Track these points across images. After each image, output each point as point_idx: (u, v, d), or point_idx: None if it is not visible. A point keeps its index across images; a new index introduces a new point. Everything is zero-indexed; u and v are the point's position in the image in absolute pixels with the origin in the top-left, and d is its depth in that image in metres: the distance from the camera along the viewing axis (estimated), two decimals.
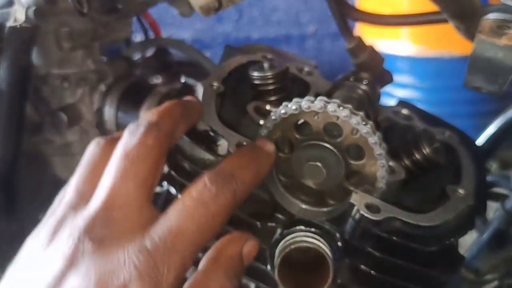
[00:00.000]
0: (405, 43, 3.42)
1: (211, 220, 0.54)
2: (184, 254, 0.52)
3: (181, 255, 0.51)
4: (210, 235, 0.55)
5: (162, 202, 0.88)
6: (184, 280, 0.54)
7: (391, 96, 3.29)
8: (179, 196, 0.74)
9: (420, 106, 0.90)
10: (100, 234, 0.53)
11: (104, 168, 0.59)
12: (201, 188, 0.55)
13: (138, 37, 1.67)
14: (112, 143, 0.61)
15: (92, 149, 0.63)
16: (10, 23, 1.02)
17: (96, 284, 0.49)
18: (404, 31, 3.31)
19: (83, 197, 0.59)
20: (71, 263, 0.51)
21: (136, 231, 0.53)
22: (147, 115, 0.63)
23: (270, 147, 0.65)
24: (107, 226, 0.53)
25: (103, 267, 0.50)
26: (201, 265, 0.56)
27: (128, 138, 0.60)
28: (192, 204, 0.54)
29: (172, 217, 0.54)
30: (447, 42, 3.13)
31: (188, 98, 0.68)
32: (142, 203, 0.56)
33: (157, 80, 1.64)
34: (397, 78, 2.50)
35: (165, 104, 0.65)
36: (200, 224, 0.53)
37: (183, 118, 0.65)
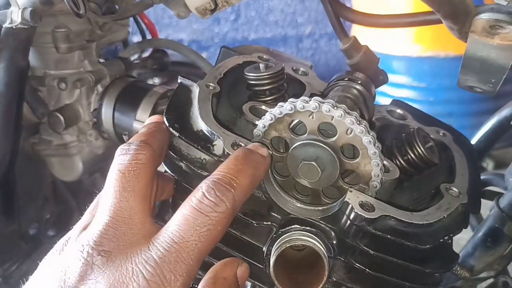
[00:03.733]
0: (401, 43, 3.43)
1: (212, 228, 0.55)
2: (189, 262, 0.53)
3: (186, 263, 0.53)
4: (212, 242, 0.56)
5: (160, 202, 0.89)
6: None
7: (387, 95, 3.30)
8: (177, 196, 0.75)
9: (415, 105, 0.91)
10: (108, 248, 0.55)
11: None
12: (200, 197, 0.56)
13: (135, 38, 1.67)
14: None
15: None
16: (6, 24, 1.02)
17: None
18: (400, 31, 3.32)
19: (92, 217, 0.62)
20: (82, 277, 0.53)
21: (142, 243, 0.55)
22: (136, 136, 0.67)
23: (264, 151, 0.66)
24: (114, 240, 0.56)
25: (112, 279, 0.52)
26: (201, 286, 0.58)
27: (121, 158, 0.62)
28: (192, 214, 0.55)
29: (174, 227, 0.55)
30: (442, 42, 3.14)
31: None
32: (144, 216, 0.59)
33: (154, 81, 1.64)
34: (393, 78, 2.51)
35: (150, 124, 0.69)
36: (202, 233, 0.55)
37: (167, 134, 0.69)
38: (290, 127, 0.69)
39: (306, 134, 0.68)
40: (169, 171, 0.74)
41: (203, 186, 0.57)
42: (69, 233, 0.61)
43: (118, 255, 0.54)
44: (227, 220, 0.57)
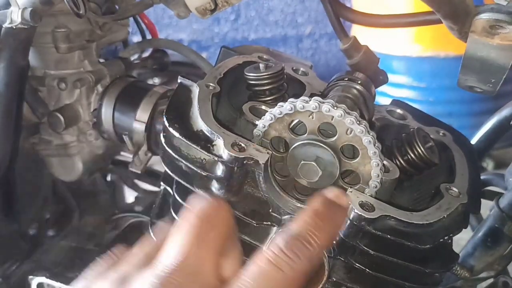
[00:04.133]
0: (401, 43, 3.43)
1: (288, 285, 0.51)
2: None
3: None
4: None
5: (160, 201, 0.89)
6: None
7: (387, 95, 3.30)
8: (176, 196, 0.75)
9: (415, 105, 0.91)
10: (177, 285, 0.50)
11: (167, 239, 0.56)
12: (277, 252, 0.52)
13: (135, 38, 1.67)
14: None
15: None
16: (6, 24, 1.02)
17: None
18: (400, 31, 3.32)
19: (147, 258, 0.57)
20: None
21: (211, 282, 0.51)
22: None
23: (344, 200, 0.61)
24: (186, 278, 0.51)
25: None
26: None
27: (199, 209, 0.56)
28: (268, 268, 0.51)
29: (247, 279, 0.51)
30: (442, 42, 3.14)
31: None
32: (213, 270, 0.54)
33: (154, 81, 1.64)
34: (393, 78, 2.51)
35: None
36: None
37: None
38: (290, 127, 0.69)
39: (306, 134, 0.68)
40: (169, 171, 0.74)
41: (279, 240, 0.53)
42: (123, 266, 0.56)
43: None
44: (303, 277, 0.52)
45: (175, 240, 0.54)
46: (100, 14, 1.27)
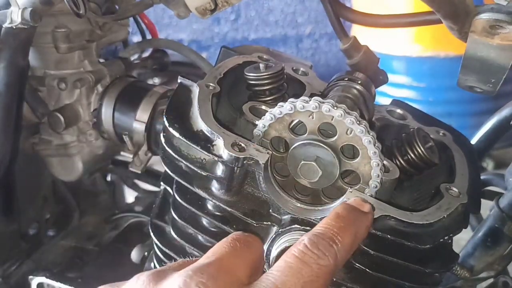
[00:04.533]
0: (401, 43, 3.43)
1: (315, 280, 0.52)
2: None
3: None
4: None
5: (160, 201, 0.89)
6: None
7: (387, 95, 3.30)
8: (176, 196, 0.75)
9: (415, 105, 0.91)
10: (207, 282, 0.50)
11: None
12: (303, 249, 0.54)
13: (135, 38, 1.67)
14: None
15: None
16: (6, 24, 1.02)
17: None
18: (400, 31, 3.32)
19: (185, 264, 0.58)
20: None
21: (241, 282, 0.52)
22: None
23: (366, 207, 0.63)
24: (217, 275, 0.51)
25: None
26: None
27: (237, 233, 0.59)
28: (296, 263, 0.52)
29: (277, 273, 0.52)
30: (442, 42, 3.14)
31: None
32: (244, 275, 0.54)
33: (154, 81, 1.64)
34: (393, 78, 2.51)
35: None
36: (306, 283, 0.51)
37: None
38: (290, 127, 0.69)
39: (306, 134, 0.68)
40: (169, 171, 0.74)
41: (305, 239, 0.55)
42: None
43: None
44: (329, 276, 0.54)
45: (212, 249, 0.57)
46: (100, 14, 1.27)
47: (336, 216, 0.59)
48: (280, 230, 0.68)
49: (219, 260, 0.54)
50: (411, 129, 0.75)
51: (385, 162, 0.68)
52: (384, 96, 3.24)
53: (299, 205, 0.70)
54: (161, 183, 0.85)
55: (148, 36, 1.64)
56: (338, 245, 0.55)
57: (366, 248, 0.66)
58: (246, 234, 0.60)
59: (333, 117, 0.66)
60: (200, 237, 0.78)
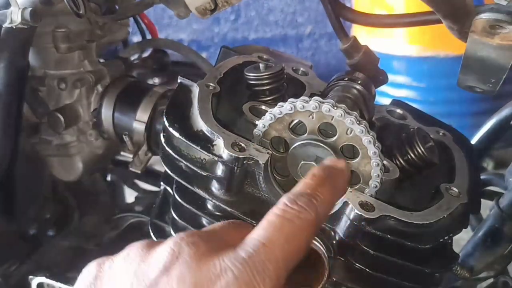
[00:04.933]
0: (401, 43, 3.43)
1: (298, 233, 0.54)
2: (278, 265, 0.51)
3: (274, 265, 0.51)
4: (299, 250, 0.55)
5: (160, 201, 0.89)
6: None
7: (387, 95, 3.29)
8: (176, 196, 0.75)
9: (415, 105, 0.91)
10: (198, 241, 0.53)
11: None
12: (283, 207, 0.55)
13: (135, 38, 1.67)
14: None
15: None
16: (6, 24, 1.02)
17: None
18: (400, 31, 3.32)
19: None
20: (166, 268, 0.51)
21: (231, 245, 0.53)
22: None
23: (340, 162, 0.63)
24: (205, 239, 0.54)
25: (199, 273, 0.50)
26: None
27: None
28: (277, 220, 0.54)
29: (260, 231, 0.54)
30: (442, 42, 3.14)
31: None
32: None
33: (154, 80, 1.64)
34: (393, 78, 2.51)
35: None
36: (288, 237, 0.53)
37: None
38: (290, 127, 0.69)
39: (306, 134, 0.68)
40: (169, 171, 0.74)
41: (283, 198, 0.56)
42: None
43: (206, 252, 0.52)
44: (312, 229, 0.55)
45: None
46: (100, 14, 1.27)
47: (312, 175, 0.60)
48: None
49: (212, 228, 0.59)
50: (411, 129, 0.75)
51: (385, 162, 0.68)
52: (384, 96, 3.24)
53: None
54: (161, 183, 0.85)
55: (148, 36, 1.64)
56: (317, 199, 0.56)
57: (366, 248, 0.66)
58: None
59: (333, 117, 0.66)
60: None
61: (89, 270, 0.57)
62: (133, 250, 0.56)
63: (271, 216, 0.55)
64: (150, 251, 0.54)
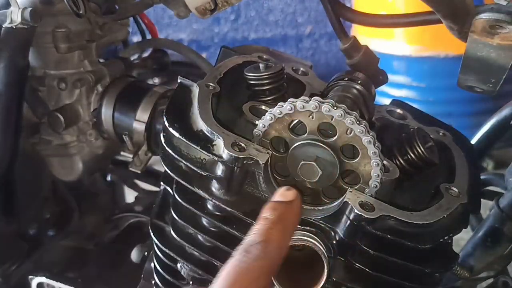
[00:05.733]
0: (401, 43, 3.43)
1: (255, 281, 0.56)
2: None
3: None
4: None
5: (160, 201, 0.89)
6: None
7: (387, 95, 3.29)
8: (176, 196, 0.75)
9: (415, 105, 0.91)
10: None
11: None
12: (239, 257, 0.57)
13: (135, 38, 1.67)
14: None
15: None
16: (6, 24, 1.02)
17: None
18: (400, 31, 3.31)
19: None
20: None
21: None
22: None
23: (289, 194, 0.64)
24: None
25: None
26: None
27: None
28: (234, 270, 0.56)
29: (221, 282, 0.55)
30: (442, 42, 3.14)
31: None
32: None
33: (154, 80, 1.64)
34: (393, 78, 2.51)
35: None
36: (246, 286, 0.55)
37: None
38: (290, 127, 0.69)
39: (306, 134, 0.68)
40: (169, 171, 0.74)
41: (239, 246, 0.58)
42: None
43: None
44: (269, 270, 0.58)
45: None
46: (100, 14, 1.27)
47: (263, 218, 0.61)
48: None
49: None
50: (411, 129, 0.75)
51: (385, 162, 0.68)
52: (384, 96, 3.24)
53: None
54: (161, 183, 0.85)
55: (148, 36, 1.64)
56: (268, 244, 0.58)
57: (366, 248, 0.66)
58: None
59: (333, 117, 0.66)
60: (200, 237, 0.78)
61: None
62: None
63: (229, 267, 0.57)
64: None
